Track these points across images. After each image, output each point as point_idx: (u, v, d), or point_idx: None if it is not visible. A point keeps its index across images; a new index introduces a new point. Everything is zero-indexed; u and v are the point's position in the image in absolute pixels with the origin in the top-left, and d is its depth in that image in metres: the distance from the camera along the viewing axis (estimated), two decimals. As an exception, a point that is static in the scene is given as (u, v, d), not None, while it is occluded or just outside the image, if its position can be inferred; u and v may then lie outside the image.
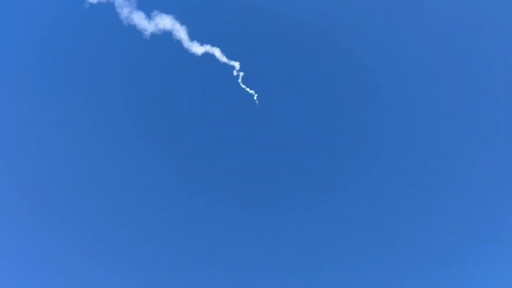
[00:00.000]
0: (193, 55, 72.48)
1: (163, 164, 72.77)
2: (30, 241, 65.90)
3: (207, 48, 71.41)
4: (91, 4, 70.32)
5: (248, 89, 70.85)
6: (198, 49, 72.19)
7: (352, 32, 76.19)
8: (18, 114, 68.96)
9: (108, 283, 67.91)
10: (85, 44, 70.70)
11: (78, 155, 70.89)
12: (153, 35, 73.33)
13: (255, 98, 71.11)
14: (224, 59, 71.18)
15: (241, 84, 70.48)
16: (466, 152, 73.40)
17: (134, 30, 72.31)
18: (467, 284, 69.19)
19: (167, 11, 71.33)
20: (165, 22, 72.33)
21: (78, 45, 70.31)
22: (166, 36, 72.83)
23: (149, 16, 71.04)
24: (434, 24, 74.74)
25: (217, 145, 73.71)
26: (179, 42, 72.59)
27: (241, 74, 70.43)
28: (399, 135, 75.11)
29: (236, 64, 71.00)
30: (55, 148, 70.25)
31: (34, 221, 66.85)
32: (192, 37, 71.95)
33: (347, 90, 76.17)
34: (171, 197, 73.34)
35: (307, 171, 74.64)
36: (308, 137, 75.37)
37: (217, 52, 71.10)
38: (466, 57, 74.10)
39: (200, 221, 73.48)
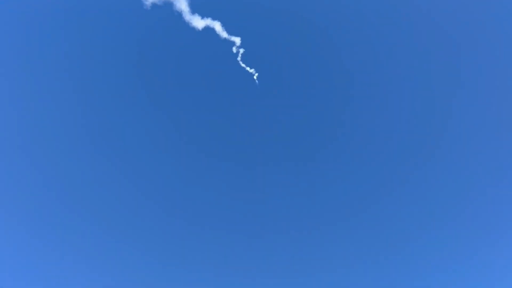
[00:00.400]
0: (193, 29, 69.60)
1: (157, 141, 72.45)
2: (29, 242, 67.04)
3: (208, 22, 68.06)
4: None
5: (248, 68, 67.65)
6: (199, 23, 69.01)
7: (357, 12, 70.18)
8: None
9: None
10: (84, 14, 69.13)
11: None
12: (154, 5, 70.74)
13: (255, 77, 68.00)
14: (224, 34, 67.83)
15: (241, 62, 67.32)
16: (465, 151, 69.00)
17: None
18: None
19: (168, -21, 68.02)
20: (166, -9, 69.20)
21: (77, 14, 68.84)
22: (167, 7, 70.01)
23: (150, -15, 68.11)
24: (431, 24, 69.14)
25: (214, 129, 72.31)
26: (179, 14, 69.64)
27: (241, 51, 67.12)
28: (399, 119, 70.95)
29: (237, 40, 67.57)
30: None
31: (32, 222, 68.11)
32: (193, 9, 68.69)
33: (352, 73, 71.60)
34: (167, 176, 73.58)
35: (307, 159, 72.49)
36: (309, 123, 72.43)
37: (217, 26, 67.69)
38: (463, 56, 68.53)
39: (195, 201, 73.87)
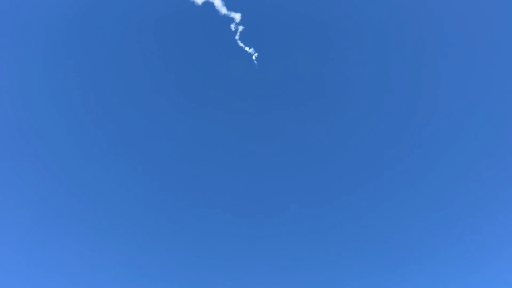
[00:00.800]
0: (192, 3, 64.10)
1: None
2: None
3: (207, -5, 62.22)
4: None
5: (247, 48, 61.14)
6: (198, -4, 63.40)
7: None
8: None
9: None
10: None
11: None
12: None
13: (253, 58, 61.34)
14: (223, 9, 61.66)
15: (239, 41, 60.89)
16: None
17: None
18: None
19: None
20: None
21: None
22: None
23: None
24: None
25: (209, 114, 66.46)
26: (179, -13, 64.42)
27: (240, 28, 60.61)
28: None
29: (237, 16, 61.12)
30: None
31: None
32: (193, -18, 63.13)
33: (357, 56, 63.44)
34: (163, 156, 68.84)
35: (306, 146, 65.22)
36: (310, 109, 64.93)
37: (217, 0, 61.62)
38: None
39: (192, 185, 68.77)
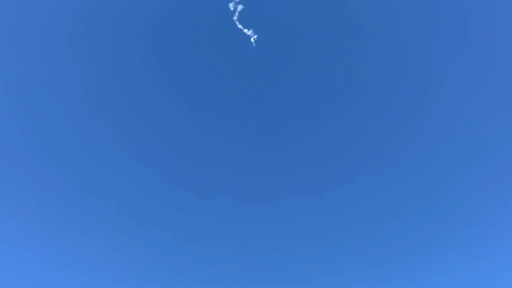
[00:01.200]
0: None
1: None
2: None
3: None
4: None
5: (246, 30, 57.71)
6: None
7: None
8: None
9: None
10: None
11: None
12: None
13: (252, 40, 57.99)
14: (222, -12, 57.93)
15: (237, 22, 57.39)
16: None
17: None
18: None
19: None
20: None
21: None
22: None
23: None
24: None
25: (204, 100, 63.42)
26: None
27: (239, 8, 56.96)
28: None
29: (236, -5, 57.47)
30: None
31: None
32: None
33: (358, 40, 60.79)
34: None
35: (306, 133, 62.88)
36: (310, 95, 62.34)
37: (215, -22, 57.93)
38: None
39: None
